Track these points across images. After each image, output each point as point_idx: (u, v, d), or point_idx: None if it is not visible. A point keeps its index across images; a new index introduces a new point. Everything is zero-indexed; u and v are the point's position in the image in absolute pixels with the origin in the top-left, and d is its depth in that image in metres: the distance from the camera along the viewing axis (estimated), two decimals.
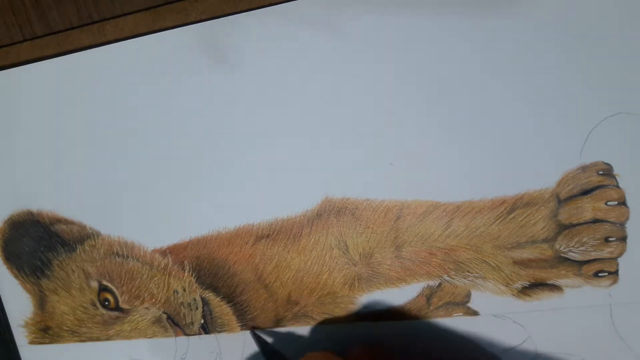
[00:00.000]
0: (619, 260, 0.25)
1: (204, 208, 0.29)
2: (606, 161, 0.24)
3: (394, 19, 0.25)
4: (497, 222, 0.26)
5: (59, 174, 0.31)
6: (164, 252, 0.31)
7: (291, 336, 0.29)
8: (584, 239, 0.25)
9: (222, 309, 0.30)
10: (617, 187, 0.24)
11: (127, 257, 0.31)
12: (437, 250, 0.27)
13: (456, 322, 0.27)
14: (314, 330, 0.29)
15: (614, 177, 0.24)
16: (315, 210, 0.28)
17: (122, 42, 0.29)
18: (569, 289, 0.25)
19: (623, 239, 0.25)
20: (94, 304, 0.32)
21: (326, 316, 0.29)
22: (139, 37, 0.29)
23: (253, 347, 0.30)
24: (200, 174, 0.29)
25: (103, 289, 0.32)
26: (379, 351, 0.27)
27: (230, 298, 0.30)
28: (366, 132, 0.27)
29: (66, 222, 0.32)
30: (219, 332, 0.31)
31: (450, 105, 0.25)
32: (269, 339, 0.29)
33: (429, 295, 0.27)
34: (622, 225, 0.25)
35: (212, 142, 0.29)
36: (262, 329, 0.30)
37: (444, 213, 0.26)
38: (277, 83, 0.27)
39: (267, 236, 0.29)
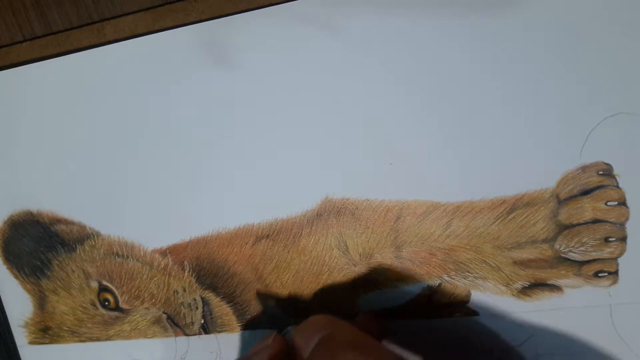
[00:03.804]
0: (619, 260, 0.25)
1: (204, 208, 0.29)
2: (606, 161, 0.24)
3: (394, 19, 0.25)
4: (497, 222, 0.26)
5: (59, 174, 0.31)
6: (164, 252, 0.31)
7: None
8: (584, 239, 0.25)
9: (222, 309, 0.30)
10: (617, 187, 0.24)
11: (127, 257, 0.31)
12: (437, 251, 0.27)
13: (456, 322, 0.27)
14: None
15: (614, 177, 0.24)
16: (315, 211, 0.28)
17: (122, 42, 0.29)
18: (569, 289, 0.25)
19: (623, 239, 0.25)
20: (94, 304, 0.32)
21: None
22: (139, 37, 0.29)
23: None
24: (200, 174, 0.29)
25: (103, 289, 0.32)
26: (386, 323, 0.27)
27: (230, 298, 0.30)
28: (366, 132, 0.27)
29: (66, 222, 0.32)
30: (219, 332, 0.31)
31: (450, 105, 0.25)
32: (274, 302, 0.29)
33: (429, 295, 0.27)
34: (622, 225, 0.25)
35: (212, 142, 0.29)
36: (268, 293, 0.29)
37: (444, 213, 0.26)
38: (277, 83, 0.27)
39: (267, 236, 0.29)
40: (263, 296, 0.29)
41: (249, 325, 0.30)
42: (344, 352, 0.21)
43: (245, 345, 0.30)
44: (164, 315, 0.31)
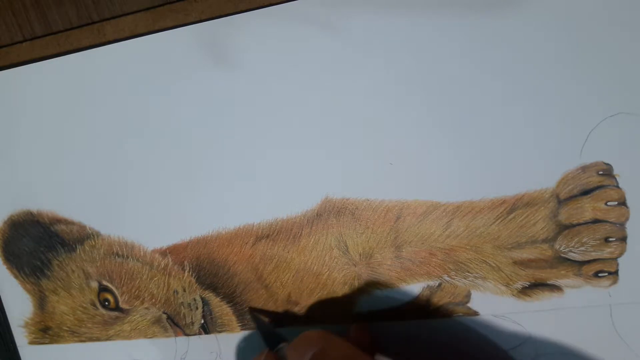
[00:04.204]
0: (619, 260, 0.25)
1: (204, 208, 0.29)
2: (606, 161, 0.24)
3: (394, 19, 0.25)
4: (497, 222, 0.26)
5: (59, 174, 0.31)
6: (164, 252, 0.31)
7: (288, 315, 0.29)
8: (584, 239, 0.25)
9: (222, 309, 0.30)
10: (617, 187, 0.24)
11: (127, 257, 0.31)
12: (437, 251, 0.27)
13: (456, 322, 0.27)
14: None
15: (614, 177, 0.24)
16: (315, 211, 0.28)
17: (122, 42, 0.29)
18: (569, 289, 0.25)
19: (623, 239, 0.25)
20: (94, 304, 0.32)
21: (326, 316, 0.29)
22: (139, 37, 0.29)
23: (253, 347, 0.30)
24: (200, 174, 0.29)
25: (103, 289, 0.32)
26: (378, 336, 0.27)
27: (230, 298, 0.30)
28: (366, 132, 0.27)
29: (66, 222, 0.32)
30: (219, 332, 0.31)
31: (450, 105, 0.25)
32: (267, 319, 0.29)
33: (429, 295, 0.27)
34: (622, 225, 0.24)
35: (212, 142, 0.29)
36: (261, 310, 0.29)
37: (444, 213, 0.26)
38: (277, 83, 0.27)
39: (267, 236, 0.29)
40: (255, 317, 0.29)
41: (249, 325, 0.30)
42: None
43: (245, 345, 0.31)
44: (164, 315, 0.31)
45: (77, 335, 0.33)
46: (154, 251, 0.31)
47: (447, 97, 0.25)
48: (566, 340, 0.26)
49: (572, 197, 0.25)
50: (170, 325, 0.31)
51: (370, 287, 0.28)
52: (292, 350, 0.24)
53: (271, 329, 0.28)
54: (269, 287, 0.29)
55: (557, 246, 0.25)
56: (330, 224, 0.28)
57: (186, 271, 0.30)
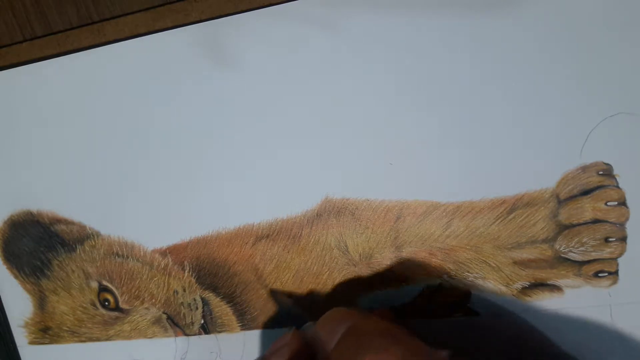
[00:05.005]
0: (619, 260, 0.25)
1: (204, 208, 0.29)
2: (606, 161, 0.24)
3: (395, 19, 0.25)
4: (497, 222, 0.26)
5: (59, 174, 0.31)
6: (164, 252, 0.31)
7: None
8: (584, 239, 0.25)
9: (222, 309, 0.30)
10: (617, 187, 0.24)
11: (127, 257, 0.31)
12: (437, 251, 0.27)
13: (456, 322, 0.27)
14: None
15: (614, 177, 0.24)
16: (315, 211, 0.28)
17: (122, 42, 0.29)
18: (569, 289, 0.25)
19: (623, 239, 0.25)
20: (94, 304, 0.32)
21: None
22: (139, 37, 0.29)
23: (253, 347, 0.30)
24: (200, 174, 0.29)
25: (103, 289, 0.32)
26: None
27: (230, 298, 0.30)
28: (366, 132, 0.27)
29: (66, 222, 0.32)
30: (219, 332, 0.31)
31: (450, 105, 0.25)
32: (289, 300, 0.29)
33: (429, 295, 0.27)
34: (622, 225, 0.25)
35: (212, 142, 0.29)
36: (282, 291, 0.29)
37: (444, 213, 0.26)
38: (277, 83, 0.27)
39: (267, 236, 0.29)
40: (278, 294, 0.29)
41: (249, 325, 0.30)
42: (373, 338, 0.20)
43: (245, 345, 0.31)
44: (164, 315, 0.31)
45: (77, 335, 0.33)
46: (154, 251, 0.31)
47: (447, 97, 0.25)
48: (566, 340, 0.26)
49: (572, 197, 0.25)
50: (170, 325, 0.31)
51: (370, 287, 0.28)
52: (322, 327, 0.23)
53: (295, 308, 0.28)
54: (269, 287, 0.29)
55: (557, 246, 0.25)
56: (330, 224, 0.28)
57: (186, 271, 0.30)
